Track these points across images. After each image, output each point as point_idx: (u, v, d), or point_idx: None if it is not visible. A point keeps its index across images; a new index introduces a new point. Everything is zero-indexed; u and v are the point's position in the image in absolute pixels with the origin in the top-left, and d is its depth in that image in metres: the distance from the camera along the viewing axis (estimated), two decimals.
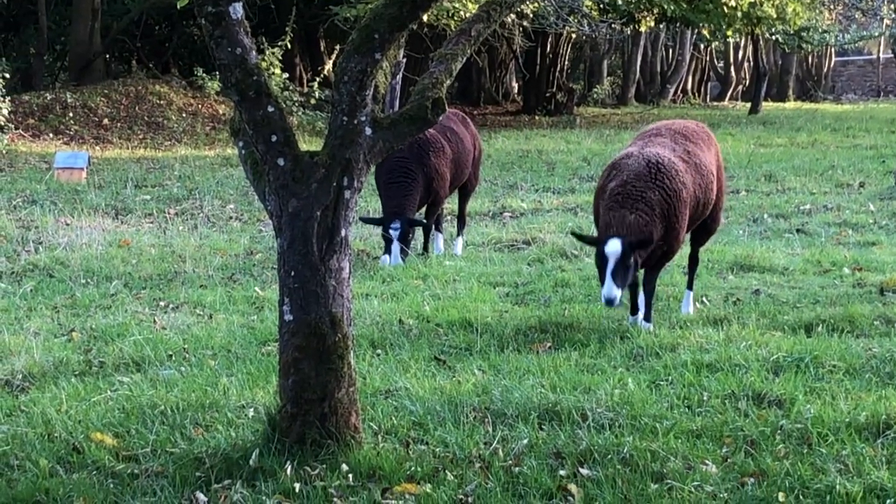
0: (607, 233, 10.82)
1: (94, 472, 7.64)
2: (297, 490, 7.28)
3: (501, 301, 13.01)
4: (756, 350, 10.43)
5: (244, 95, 7.53)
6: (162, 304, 13.07)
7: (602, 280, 10.75)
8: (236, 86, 7.52)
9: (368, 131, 7.68)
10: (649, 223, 10.86)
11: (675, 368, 9.92)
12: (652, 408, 8.78)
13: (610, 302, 10.69)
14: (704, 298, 12.97)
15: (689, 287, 12.55)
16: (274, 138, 7.57)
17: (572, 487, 7.35)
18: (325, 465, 7.61)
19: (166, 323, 11.98)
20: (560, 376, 9.66)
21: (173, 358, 10.44)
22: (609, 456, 7.80)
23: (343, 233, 7.62)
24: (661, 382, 9.58)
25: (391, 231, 15.14)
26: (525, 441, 8.03)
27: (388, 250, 15.25)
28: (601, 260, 10.74)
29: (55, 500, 7.22)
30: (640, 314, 11.68)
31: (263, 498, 7.13)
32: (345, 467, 7.60)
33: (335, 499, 7.26)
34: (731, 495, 7.33)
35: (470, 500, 7.24)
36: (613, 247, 10.64)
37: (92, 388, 9.45)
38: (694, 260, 12.75)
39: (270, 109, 7.57)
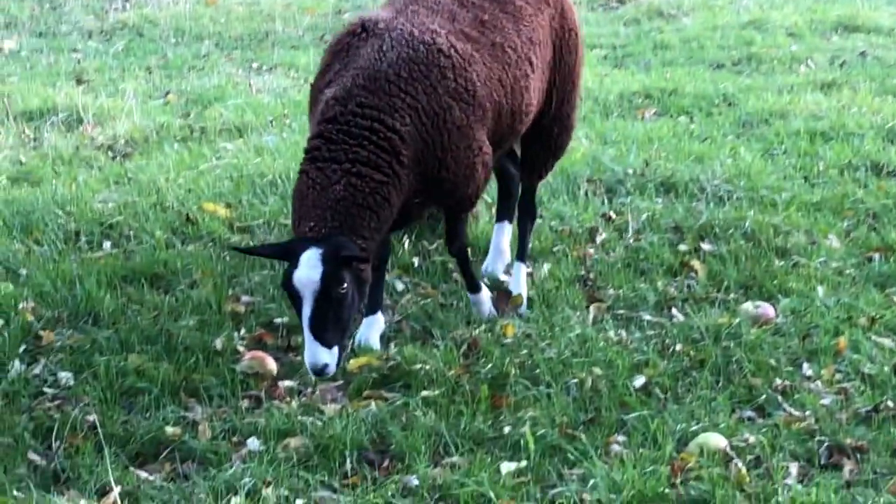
0: (302, 227, 5.84)
1: (210, 244, 7.59)
2: (415, 265, 7.20)
3: (600, 64, 12.70)
4: (870, 117, 10.14)
5: None
6: (255, 65, 12.87)
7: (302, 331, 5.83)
8: None
9: None
10: (377, 197, 5.86)
11: (787, 137, 9.66)
12: (768, 179, 8.56)
13: (318, 372, 5.75)
14: (809, 61, 12.61)
15: (521, 257, 7.11)
16: None
17: (695, 263, 7.21)
18: (442, 241, 7.51)
19: (261, 86, 11.80)
20: (669, 145, 9.44)
21: (274, 124, 10.29)
22: (730, 231, 7.64)
23: None
24: (775, 152, 9.35)
25: None
26: (644, 215, 7.86)
27: None
28: (291, 297, 5.83)
29: (173, 272, 7.18)
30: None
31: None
32: None
33: (454, 273, 7.17)
34: (858, 271, 7.19)
35: (591, 276, 7.13)
36: (306, 272, 5.65)
37: (197, 154, 9.34)
38: (526, 206, 7.27)
39: None
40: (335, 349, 5.71)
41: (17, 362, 6.16)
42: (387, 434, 5.51)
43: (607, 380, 5.90)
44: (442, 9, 6.40)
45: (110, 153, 9.62)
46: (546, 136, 7.01)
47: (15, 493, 5.10)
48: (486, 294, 6.72)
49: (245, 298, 6.84)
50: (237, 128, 10.16)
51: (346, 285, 5.69)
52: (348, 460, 5.31)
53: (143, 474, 5.27)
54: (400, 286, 6.99)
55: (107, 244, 7.61)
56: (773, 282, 6.99)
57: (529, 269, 7.13)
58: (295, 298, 5.72)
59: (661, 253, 7.34)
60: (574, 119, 7.17)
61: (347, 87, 5.94)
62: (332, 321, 5.69)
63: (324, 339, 5.66)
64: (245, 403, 5.83)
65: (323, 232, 5.69)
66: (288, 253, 5.76)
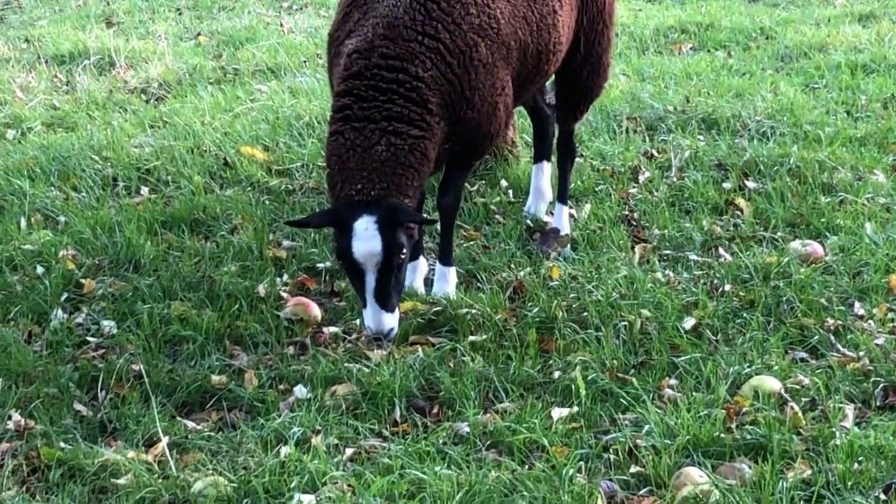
0: (346, 190, 5.63)
1: (248, 189, 7.52)
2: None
3: None
4: None
5: None
6: (285, 5, 12.75)
7: (361, 297, 5.71)
8: None
9: None
10: (417, 154, 5.69)
11: (828, 70, 9.53)
12: (811, 114, 8.44)
13: (381, 338, 5.68)
14: None
15: (562, 198, 6.98)
16: None
17: (741, 202, 7.11)
18: (484, 182, 7.44)
19: (293, 26, 11.69)
20: (708, 80, 9.32)
21: (308, 64, 10.18)
22: (775, 167, 7.52)
23: None
24: (816, 86, 9.22)
25: None
26: (687, 153, 7.75)
27: None
28: (350, 267, 5.66)
29: (213, 217, 7.11)
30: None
31: (424, 214, 6.96)
32: (504, 183, 7.42)
33: (496, 215, 7.09)
34: None
35: (635, 215, 7.03)
36: (367, 244, 5.53)
37: (231, 97, 9.24)
38: (565, 146, 7.09)
39: None
40: (396, 311, 5.70)
41: (59, 311, 6.11)
42: (435, 380, 5.45)
43: (657, 322, 5.83)
44: None
45: (144, 96, 9.54)
46: (576, 78, 6.81)
47: (62, 444, 5.05)
48: (454, 273, 6.33)
49: (286, 243, 6.78)
50: (270, 69, 10.06)
51: (405, 250, 5.64)
52: (397, 407, 5.25)
53: (191, 424, 5.22)
54: None
55: (145, 189, 7.55)
56: (821, 219, 6.89)
57: (572, 210, 7.03)
58: (354, 268, 5.61)
59: (706, 191, 7.24)
60: (607, 60, 6.93)
61: (369, 38, 5.76)
62: (394, 286, 5.64)
63: (387, 305, 5.62)
64: (290, 350, 5.77)
65: (372, 195, 5.56)
66: (339, 220, 5.61)
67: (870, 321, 5.83)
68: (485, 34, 5.89)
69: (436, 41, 5.76)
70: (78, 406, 5.36)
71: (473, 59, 5.85)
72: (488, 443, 5.02)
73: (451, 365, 5.57)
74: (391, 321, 5.64)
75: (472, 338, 5.77)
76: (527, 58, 6.19)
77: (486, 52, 5.90)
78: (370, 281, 5.59)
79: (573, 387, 5.30)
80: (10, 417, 5.25)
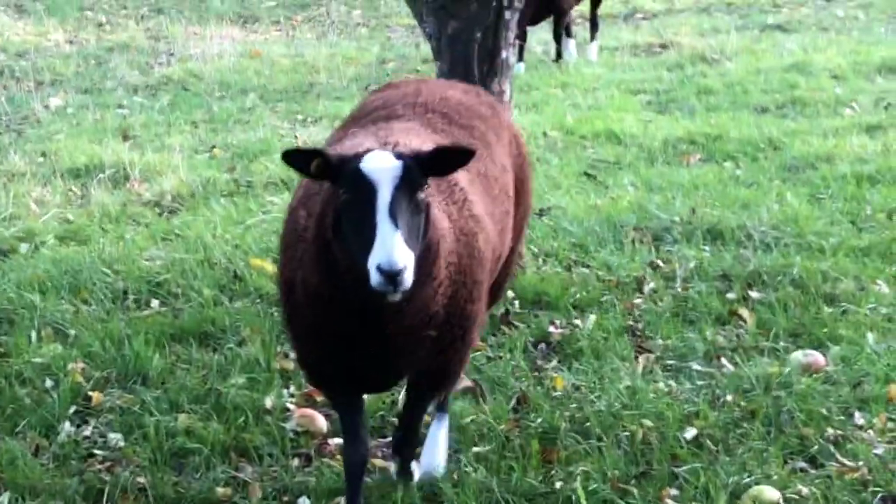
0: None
1: (258, 300, 7.61)
2: None
3: (644, 109, 12.70)
4: None
5: None
6: (300, 117, 12.92)
7: (368, 232, 4.47)
8: None
9: None
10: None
11: (834, 181, 9.63)
12: (816, 224, 8.53)
13: (393, 276, 4.37)
14: (854, 104, 12.55)
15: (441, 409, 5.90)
16: None
17: (744, 312, 7.18)
18: None
19: (307, 138, 11.84)
20: (715, 191, 9.42)
21: None
22: (778, 278, 7.61)
23: (504, 54, 7.39)
24: (822, 197, 9.31)
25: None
26: (692, 263, 7.84)
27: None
28: (360, 191, 4.48)
29: (221, 329, 7.20)
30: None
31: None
32: (510, 294, 7.49)
33: (502, 326, 7.16)
34: None
35: (639, 326, 7.10)
36: (381, 160, 4.54)
37: (243, 209, 9.37)
38: None
39: None
40: (410, 251, 4.46)
41: (66, 424, 6.17)
42: (438, 490, 5.49)
43: (658, 432, 5.88)
44: (413, 130, 5.28)
45: (157, 209, 9.66)
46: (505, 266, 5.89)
47: None
48: None
49: (294, 355, 6.84)
50: (283, 181, 10.18)
51: (425, 196, 4.58)
52: None
53: None
54: None
55: (155, 302, 7.64)
56: (823, 329, 6.96)
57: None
58: (361, 194, 4.46)
59: (710, 301, 7.32)
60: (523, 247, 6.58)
61: None
62: (409, 224, 4.50)
63: (402, 230, 4.45)
64: (295, 462, 5.82)
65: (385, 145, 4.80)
66: (348, 157, 4.61)
67: (869, 431, 5.88)
68: (481, 228, 5.16)
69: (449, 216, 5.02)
70: None
71: (475, 248, 5.08)
72: None
73: (455, 476, 5.60)
74: (405, 256, 4.40)
75: (475, 448, 5.82)
76: (496, 265, 5.53)
77: (482, 247, 5.14)
78: (382, 199, 4.45)
79: (574, 497, 5.34)
80: None
